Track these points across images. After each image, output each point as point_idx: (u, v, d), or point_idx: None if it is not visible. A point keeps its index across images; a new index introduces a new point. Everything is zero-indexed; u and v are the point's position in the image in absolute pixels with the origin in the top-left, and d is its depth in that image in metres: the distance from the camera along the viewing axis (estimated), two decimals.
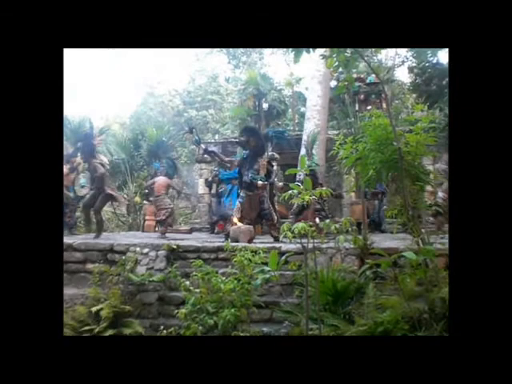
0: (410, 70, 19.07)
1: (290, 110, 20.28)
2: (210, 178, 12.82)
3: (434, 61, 17.44)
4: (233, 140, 10.21)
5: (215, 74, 27.53)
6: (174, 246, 7.27)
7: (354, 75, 12.10)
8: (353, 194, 13.55)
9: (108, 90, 45.96)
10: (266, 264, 5.08)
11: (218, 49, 28.33)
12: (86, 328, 5.99)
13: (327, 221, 4.39)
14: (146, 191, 11.94)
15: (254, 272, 5.38)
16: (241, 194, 8.94)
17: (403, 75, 22.74)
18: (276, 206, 10.18)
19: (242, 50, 27.96)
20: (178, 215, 17.03)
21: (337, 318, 5.20)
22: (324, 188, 4.71)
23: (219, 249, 7.11)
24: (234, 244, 6.95)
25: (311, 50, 4.61)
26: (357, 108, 14.51)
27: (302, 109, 18.86)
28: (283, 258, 4.76)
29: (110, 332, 5.90)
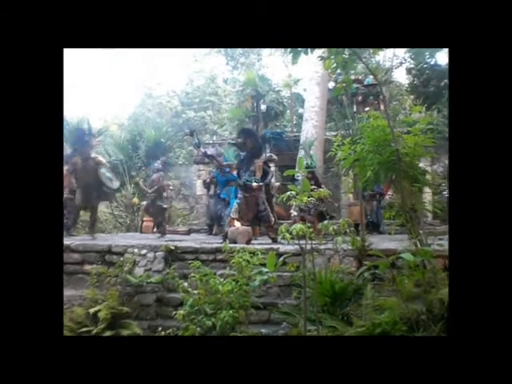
0: (408, 71, 19.12)
1: (288, 112, 20.29)
2: (207, 180, 12.80)
3: (432, 62, 17.50)
4: (230, 141, 10.21)
5: (213, 76, 27.49)
6: (172, 247, 7.27)
7: (352, 77, 12.10)
8: (351, 196, 13.56)
9: (106, 91, 45.96)
10: (264, 265, 5.07)
11: (216, 50, 28.35)
12: (84, 329, 5.98)
13: (325, 222, 4.39)
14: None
15: (252, 273, 5.38)
16: (238, 195, 8.95)
17: (401, 77, 22.74)
18: (274, 207, 10.18)
19: (240, 51, 27.97)
20: (176, 216, 17.02)
21: (335, 319, 5.20)
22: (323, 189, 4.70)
23: (217, 250, 7.11)
24: (232, 245, 6.95)
25: (309, 51, 4.61)
26: (355, 109, 14.52)
27: (300, 110, 18.87)
28: (281, 259, 4.75)
29: (107, 333, 5.89)
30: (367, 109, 14.25)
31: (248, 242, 7.87)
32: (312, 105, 13.74)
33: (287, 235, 4.22)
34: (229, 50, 27.96)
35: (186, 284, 5.78)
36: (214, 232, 11.85)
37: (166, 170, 11.70)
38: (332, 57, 4.87)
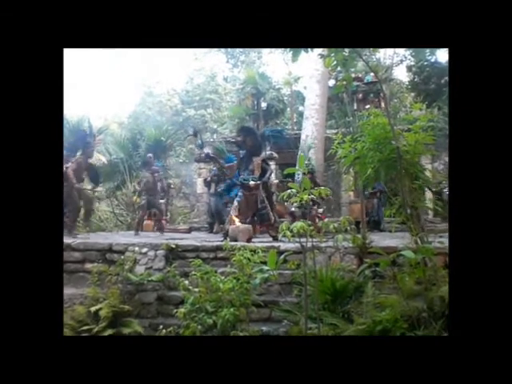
0: (409, 68, 19.09)
1: (288, 109, 20.29)
2: (208, 178, 12.81)
3: (433, 60, 17.46)
4: (231, 139, 10.20)
5: (213, 74, 27.48)
6: (173, 246, 7.27)
7: (353, 74, 12.10)
8: (351, 193, 13.56)
9: (106, 90, 45.95)
10: (264, 263, 5.08)
11: (217, 48, 28.33)
12: (85, 328, 5.98)
13: (326, 220, 4.39)
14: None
15: (252, 271, 5.38)
16: (238, 194, 8.94)
17: (401, 74, 22.78)
18: (275, 205, 10.16)
19: (240, 49, 27.94)
20: (177, 214, 17.03)
21: (336, 316, 5.20)
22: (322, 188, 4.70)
23: (218, 248, 7.11)
24: (232, 243, 6.95)
25: (309, 49, 4.61)
26: (355, 107, 14.52)
27: (301, 108, 18.87)
28: (282, 257, 4.77)
29: (109, 332, 5.90)
30: (368, 106, 14.25)
31: (249, 240, 7.87)
32: (312, 103, 13.73)
33: (288, 233, 4.22)
34: (229, 48, 27.94)
35: (186, 282, 5.77)
36: (214, 230, 11.86)
37: (151, 165, 11.74)
38: (332, 55, 4.86)
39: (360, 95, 15.30)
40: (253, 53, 27.85)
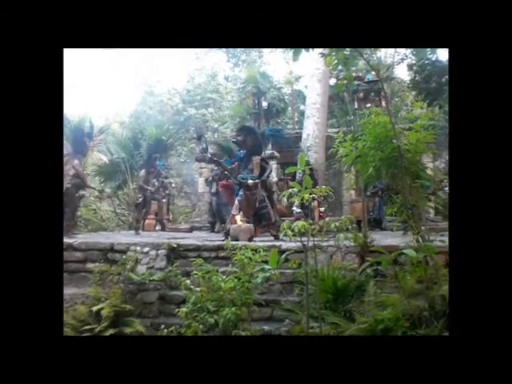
0: (410, 67, 19.07)
1: (289, 108, 20.24)
2: (210, 178, 12.82)
3: (434, 58, 17.43)
4: (232, 139, 10.18)
5: (214, 73, 27.46)
6: (175, 245, 7.28)
7: (353, 73, 12.09)
8: (353, 192, 13.54)
9: (107, 90, 45.94)
10: (266, 262, 5.08)
11: (217, 48, 28.31)
12: (87, 327, 5.99)
13: (327, 219, 4.39)
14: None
15: (254, 270, 5.38)
16: (239, 193, 8.95)
17: (402, 73, 22.71)
18: (276, 205, 10.14)
19: (241, 48, 27.92)
20: (179, 214, 17.02)
21: (337, 315, 5.21)
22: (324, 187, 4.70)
23: (219, 247, 7.12)
24: (234, 242, 6.95)
25: (310, 48, 4.61)
26: (356, 106, 14.48)
27: (302, 107, 18.85)
28: (283, 256, 4.76)
29: (110, 331, 5.90)
30: (369, 105, 14.23)
31: (250, 240, 7.87)
32: (313, 102, 13.73)
33: (289, 232, 4.22)
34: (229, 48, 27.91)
35: (188, 281, 5.78)
36: (216, 229, 11.87)
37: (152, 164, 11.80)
38: (333, 53, 4.86)
39: (361, 94, 15.27)
40: (254, 52, 27.82)
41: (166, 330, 5.46)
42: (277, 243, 7.10)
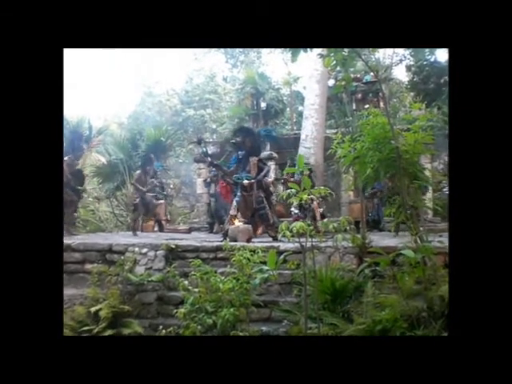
0: (408, 68, 19.04)
1: (288, 109, 20.25)
2: (208, 179, 12.82)
3: (432, 59, 17.41)
4: (232, 141, 10.13)
5: (213, 74, 27.42)
6: (173, 246, 7.27)
7: (352, 74, 12.10)
8: (351, 193, 13.56)
9: (106, 90, 45.87)
10: (264, 263, 5.08)
11: (216, 48, 28.30)
12: (85, 328, 5.99)
13: (326, 220, 4.40)
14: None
15: (252, 271, 5.39)
16: (237, 194, 8.95)
17: (401, 74, 22.75)
18: (274, 205, 10.13)
19: (239, 49, 27.90)
20: (177, 215, 17.01)
21: (335, 316, 5.21)
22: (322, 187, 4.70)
23: (218, 248, 7.11)
24: (232, 243, 6.95)
25: (309, 49, 4.61)
26: (354, 107, 14.50)
27: (300, 108, 18.83)
28: (282, 257, 4.78)
29: (109, 332, 5.90)
30: (367, 106, 14.23)
31: (248, 240, 7.87)
32: (312, 102, 13.74)
33: (287, 233, 4.22)
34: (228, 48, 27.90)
35: (186, 282, 5.78)
36: (214, 230, 11.87)
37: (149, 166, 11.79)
38: (332, 54, 4.87)
39: (359, 95, 15.28)
40: (252, 53, 27.80)
41: (164, 331, 5.46)
42: (275, 244, 7.11)
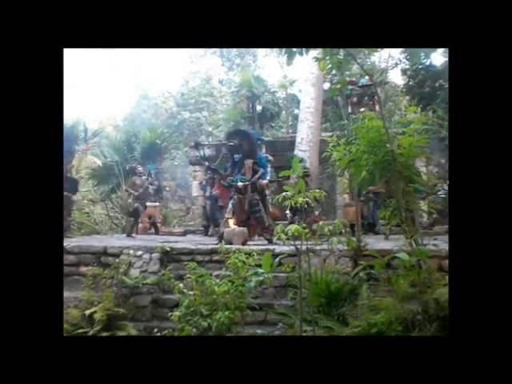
0: (403, 72, 19.09)
1: (283, 112, 20.30)
2: (204, 181, 12.82)
3: (428, 63, 17.47)
4: (230, 143, 10.11)
5: (209, 76, 27.46)
6: (168, 249, 7.26)
7: (347, 78, 12.13)
8: (346, 196, 13.57)
9: (101, 92, 45.83)
10: (259, 266, 5.08)
11: (212, 51, 28.34)
12: (80, 331, 5.98)
13: (321, 223, 4.40)
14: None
15: (247, 274, 5.38)
16: (233, 197, 8.95)
17: (396, 77, 22.80)
18: (269, 208, 10.13)
19: (235, 52, 27.97)
20: (172, 217, 16.99)
21: (330, 319, 5.21)
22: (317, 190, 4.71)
23: (213, 251, 7.11)
24: (227, 246, 6.95)
25: (304, 52, 4.62)
26: (350, 110, 14.51)
27: (296, 111, 18.88)
28: (277, 260, 4.76)
29: (103, 335, 5.88)
30: (362, 110, 14.25)
31: (244, 243, 7.87)
32: (307, 106, 13.75)
33: (283, 236, 4.22)
34: (224, 51, 27.94)
35: (181, 285, 5.77)
36: (209, 233, 11.86)
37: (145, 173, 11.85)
38: (327, 58, 4.87)
39: (355, 98, 15.29)
40: (248, 56, 27.89)
41: (159, 334, 5.45)
42: (270, 247, 7.11)
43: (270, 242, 8.09)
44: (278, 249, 6.74)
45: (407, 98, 19.33)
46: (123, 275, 6.70)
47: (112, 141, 15.65)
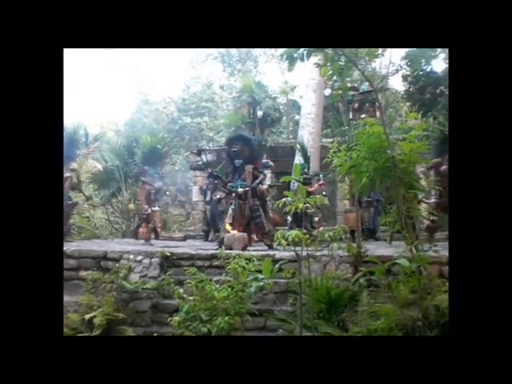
0: (404, 78, 19.16)
1: (284, 118, 20.32)
2: (204, 186, 12.81)
3: (428, 69, 17.53)
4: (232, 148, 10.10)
5: (210, 82, 27.54)
6: (168, 254, 7.25)
7: (348, 84, 12.14)
8: (347, 202, 13.56)
9: (102, 97, 45.95)
10: (259, 272, 5.07)
11: (213, 57, 28.44)
12: (79, 335, 5.95)
13: (321, 228, 4.40)
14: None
15: (247, 280, 5.38)
16: (233, 202, 8.95)
17: (397, 83, 22.85)
18: (269, 213, 10.12)
19: (236, 57, 28.05)
20: (172, 222, 16.97)
21: (331, 325, 5.20)
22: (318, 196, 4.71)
23: (213, 256, 7.10)
24: (227, 251, 6.95)
25: (305, 58, 4.63)
26: (351, 116, 14.53)
27: (297, 117, 18.90)
28: (277, 265, 4.76)
29: None
30: (363, 116, 14.26)
31: (244, 249, 7.86)
32: (308, 111, 13.78)
33: (283, 241, 4.22)
34: (225, 56, 28.03)
35: (181, 290, 5.77)
36: (210, 238, 11.85)
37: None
38: (328, 64, 4.88)
39: (355, 104, 15.30)
40: (249, 61, 27.96)
41: None
42: (271, 252, 7.10)
43: (270, 247, 8.08)
44: (278, 254, 6.73)
45: (408, 104, 19.38)
46: (123, 280, 6.69)
47: (113, 145, 15.65)
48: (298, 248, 4.34)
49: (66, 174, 9.85)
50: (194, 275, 5.90)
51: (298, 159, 12.44)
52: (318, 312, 5.45)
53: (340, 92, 5.85)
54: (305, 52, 4.60)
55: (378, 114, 13.69)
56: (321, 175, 10.88)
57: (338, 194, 14.08)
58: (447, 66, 14.98)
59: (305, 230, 4.33)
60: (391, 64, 20.21)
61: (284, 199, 4.41)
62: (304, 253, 4.37)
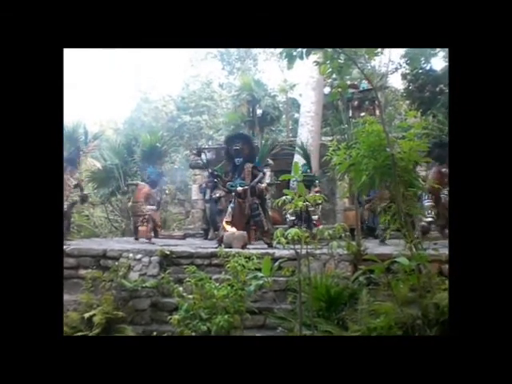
0: (404, 76, 19.13)
1: (283, 116, 20.29)
2: (203, 185, 12.81)
3: (428, 67, 17.51)
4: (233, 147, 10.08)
5: (209, 80, 27.50)
6: (167, 252, 7.26)
7: (348, 82, 12.13)
8: (346, 200, 13.56)
9: (102, 95, 45.90)
10: (259, 270, 5.07)
11: (212, 55, 28.40)
12: (79, 334, 5.95)
13: (321, 227, 4.40)
14: (125, 188, 12.17)
15: (247, 278, 5.37)
16: (233, 200, 8.96)
17: (396, 82, 22.82)
18: (268, 212, 10.13)
19: (236, 56, 28.01)
20: (172, 221, 16.97)
21: (330, 323, 5.20)
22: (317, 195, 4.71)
23: (213, 255, 7.10)
24: (227, 250, 6.94)
25: (304, 56, 4.62)
26: (350, 114, 14.52)
27: (296, 115, 18.87)
28: (276, 263, 4.76)
29: None
30: (363, 114, 14.25)
31: (243, 247, 7.86)
32: (307, 110, 13.76)
33: (282, 240, 4.22)
34: (225, 55, 27.99)
35: (181, 289, 5.76)
36: (209, 237, 11.84)
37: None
38: (327, 62, 4.88)
39: (355, 102, 15.31)
40: (248, 60, 27.92)
41: None
42: (270, 251, 7.10)
43: (270, 245, 8.08)
44: (277, 253, 6.73)
45: (407, 102, 19.36)
46: (122, 278, 6.69)
47: (112, 144, 15.63)
48: (297, 246, 4.33)
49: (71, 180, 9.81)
50: (194, 273, 5.89)
51: (298, 158, 12.45)
52: (317, 310, 5.45)
53: (339, 90, 5.84)
54: (304, 50, 4.59)
55: (377, 112, 13.69)
56: (316, 181, 10.84)
57: (337, 192, 14.08)
58: (446, 64, 14.99)
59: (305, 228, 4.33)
60: (391, 62, 20.20)
61: (283, 197, 4.41)
62: (303, 251, 4.37)
